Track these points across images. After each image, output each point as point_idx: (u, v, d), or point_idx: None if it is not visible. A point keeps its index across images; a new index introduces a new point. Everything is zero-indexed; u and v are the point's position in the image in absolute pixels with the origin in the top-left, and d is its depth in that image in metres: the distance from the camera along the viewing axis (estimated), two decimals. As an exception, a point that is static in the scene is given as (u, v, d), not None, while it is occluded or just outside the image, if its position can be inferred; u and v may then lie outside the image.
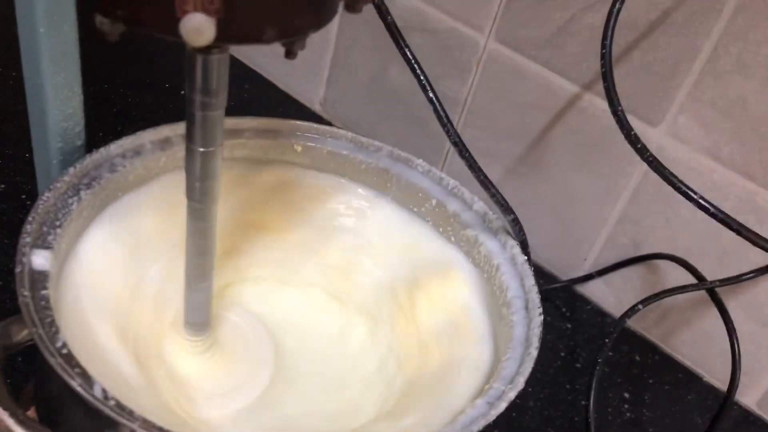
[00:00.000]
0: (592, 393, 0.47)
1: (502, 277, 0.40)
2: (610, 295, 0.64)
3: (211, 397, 0.39)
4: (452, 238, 0.45)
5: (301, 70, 0.78)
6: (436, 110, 0.38)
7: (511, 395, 0.33)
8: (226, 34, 0.25)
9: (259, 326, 0.45)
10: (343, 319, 0.47)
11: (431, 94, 0.38)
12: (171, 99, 0.75)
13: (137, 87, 0.75)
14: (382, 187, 0.47)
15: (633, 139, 0.38)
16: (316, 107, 0.79)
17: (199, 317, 0.39)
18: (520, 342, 0.36)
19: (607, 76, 0.41)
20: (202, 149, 0.32)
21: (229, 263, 0.46)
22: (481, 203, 0.44)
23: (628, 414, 0.56)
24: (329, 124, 0.77)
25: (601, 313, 0.64)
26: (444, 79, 0.66)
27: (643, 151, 0.38)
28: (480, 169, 0.39)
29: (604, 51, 0.42)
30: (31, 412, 0.40)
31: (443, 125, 0.38)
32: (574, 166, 0.61)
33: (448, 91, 0.66)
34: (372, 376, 0.44)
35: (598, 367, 0.47)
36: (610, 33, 0.42)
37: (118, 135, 0.69)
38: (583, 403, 0.55)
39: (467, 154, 0.38)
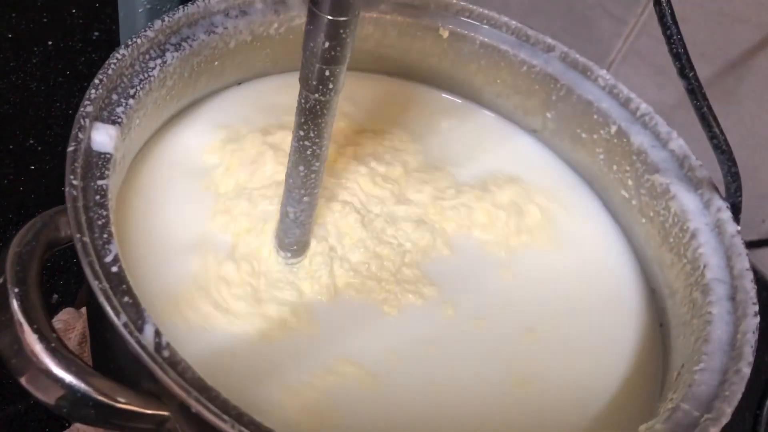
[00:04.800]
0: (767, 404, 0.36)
1: (698, 249, 0.30)
2: (787, 270, 0.51)
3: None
4: (629, 182, 0.34)
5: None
6: (661, 12, 0.27)
7: (713, 431, 0.23)
8: None
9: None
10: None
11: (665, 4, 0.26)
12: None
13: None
14: (544, 102, 0.37)
15: None
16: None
17: (298, 236, 0.31)
18: (721, 348, 0.26)
19: None
20: (330, 17, 0.23)
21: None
22: (681, 141, 0.33)
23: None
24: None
25: (769, 289, 0.52)
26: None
27: None
28: (705, 96, 0.27)
29: None
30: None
31: (666, 31, 0.27)
32: (778, 103, 0.48)
33: (629, -14, 0.52)
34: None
35: (780, 371, 0.37)
36: None
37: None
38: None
39: (692, 74, 0.27)
